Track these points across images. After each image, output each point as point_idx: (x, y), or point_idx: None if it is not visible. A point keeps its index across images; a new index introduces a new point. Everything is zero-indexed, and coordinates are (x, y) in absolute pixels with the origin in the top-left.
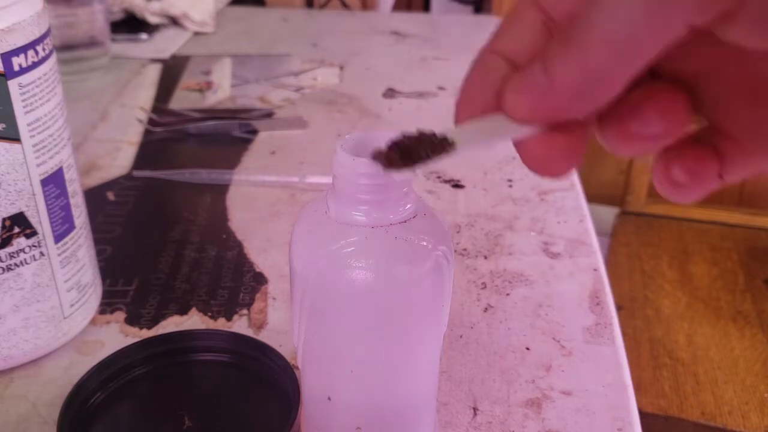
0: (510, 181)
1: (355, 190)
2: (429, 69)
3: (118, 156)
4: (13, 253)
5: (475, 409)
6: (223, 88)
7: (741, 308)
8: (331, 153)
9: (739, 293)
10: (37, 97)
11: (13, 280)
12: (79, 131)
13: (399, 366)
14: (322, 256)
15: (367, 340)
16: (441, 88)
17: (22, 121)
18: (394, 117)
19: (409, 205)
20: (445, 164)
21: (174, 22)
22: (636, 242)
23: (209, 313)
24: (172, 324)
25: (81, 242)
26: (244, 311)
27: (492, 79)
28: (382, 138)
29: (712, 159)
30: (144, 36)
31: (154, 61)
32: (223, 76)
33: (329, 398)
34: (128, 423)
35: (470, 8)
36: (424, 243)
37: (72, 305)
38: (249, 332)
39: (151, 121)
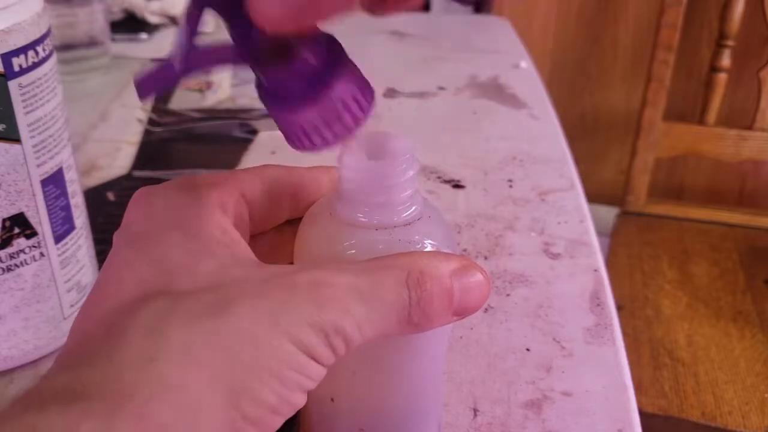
0: (510, 181)
1: (359, 192)
2: (429, 69)
3: (118, 156)
4: (13, 253)
5: (475, 410)
6: (223, 88)
7: (741, 308)
8: (331, 153)
9: (739, 293)
10: (38, 97)
11: (14, 281)
12: (79, 131)
13: (403, 368)
14: (325, 258)
15: (370, 342)
16: (441, 88)
17: (22, 122)
18: (394, 117)
19: (414, 207)
20: (445, 164)
21: (174, 22)
22: (636, 242)
23: None
24: None
25: (81, 243)
26: None
27: None
28: (386, 139)
29: None
30: (144, 36)
31: (155, 61)
32: (223, 76)
33: (332, 399)
34: None
35: (470, 8)
36: (429, 245)
37: (72, 306)
38: None
39: (151, 121)
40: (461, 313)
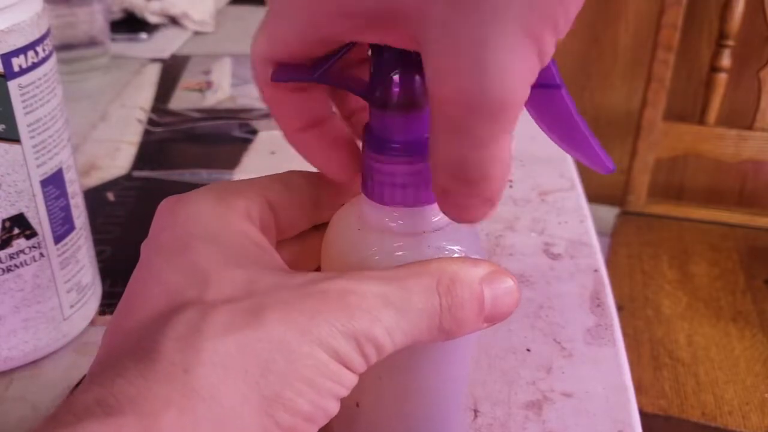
0: (510, 181)
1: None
2: None
3: (118, 156)
4: (13, 254)
5: (475, 411)
6: (223, 88)
7: (741, 308)
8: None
9: (739, 293)
10: (37, 98)
11: (13, 281)
12: (79, 131)
13: (430, 374)
14: (353, 265)
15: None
16: None
17: (22, 122)
18: None
19: (441, 213)
20: None
21: (174, 21)
22: (636, 242)
23: None
24: None
25: (81, 243)
26: None
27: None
28: None
29: None
30: (144, 36)
31: (154, 60)
32: (223, 76)
33: (357, 404)
34: None
35: None
36: (458, 251)
37: (72, 306)
38: None
39: (151, 121)
40: (491, 319)
